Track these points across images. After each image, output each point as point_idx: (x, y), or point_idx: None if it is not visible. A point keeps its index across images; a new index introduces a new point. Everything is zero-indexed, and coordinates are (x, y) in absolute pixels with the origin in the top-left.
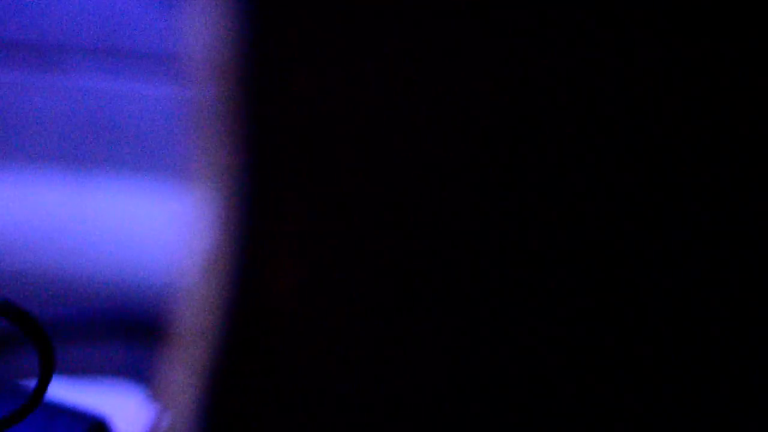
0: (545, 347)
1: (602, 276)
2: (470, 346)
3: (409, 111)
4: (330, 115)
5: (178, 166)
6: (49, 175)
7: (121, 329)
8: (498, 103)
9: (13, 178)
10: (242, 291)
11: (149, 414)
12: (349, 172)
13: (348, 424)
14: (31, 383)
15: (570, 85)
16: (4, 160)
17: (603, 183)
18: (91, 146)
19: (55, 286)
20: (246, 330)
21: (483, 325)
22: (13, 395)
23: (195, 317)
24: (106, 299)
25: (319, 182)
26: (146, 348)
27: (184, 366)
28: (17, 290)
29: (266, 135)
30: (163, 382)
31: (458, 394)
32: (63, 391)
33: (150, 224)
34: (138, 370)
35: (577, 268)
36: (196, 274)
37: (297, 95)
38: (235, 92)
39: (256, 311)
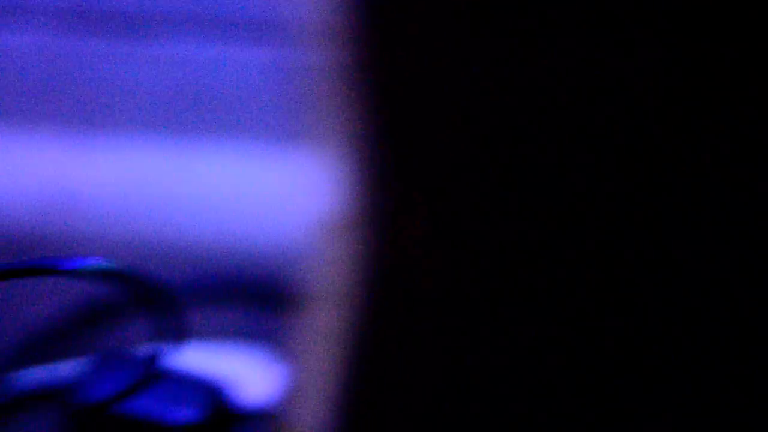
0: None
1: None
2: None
3: (534, 74)
4: (449, 73)
5: (276, 130)
6: (153, 143)
7: (238, 293)
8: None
9: (117, 147)
10: (372, 253)
11: (274, 378)
12: (475, 130)
13: (479, 384)
14: (152, 351)
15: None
16: (109, 130)
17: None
18: (190, 113)
19: (163, 253)
20: (377, 292)
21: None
22: (133, 364)
23: (325, 280)
24: (216, 265)
25: (447, 142)
26: (266, 312)
27: (316, 329)
28: (129, 258)
29: (388, 96)
30: (294, 345)
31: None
32: (183, 357)
33: (253, 189)
34: (260, 335)
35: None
36: (323, 237)
37: (413, 54)
38: (352, 55)
39: (387, 272)
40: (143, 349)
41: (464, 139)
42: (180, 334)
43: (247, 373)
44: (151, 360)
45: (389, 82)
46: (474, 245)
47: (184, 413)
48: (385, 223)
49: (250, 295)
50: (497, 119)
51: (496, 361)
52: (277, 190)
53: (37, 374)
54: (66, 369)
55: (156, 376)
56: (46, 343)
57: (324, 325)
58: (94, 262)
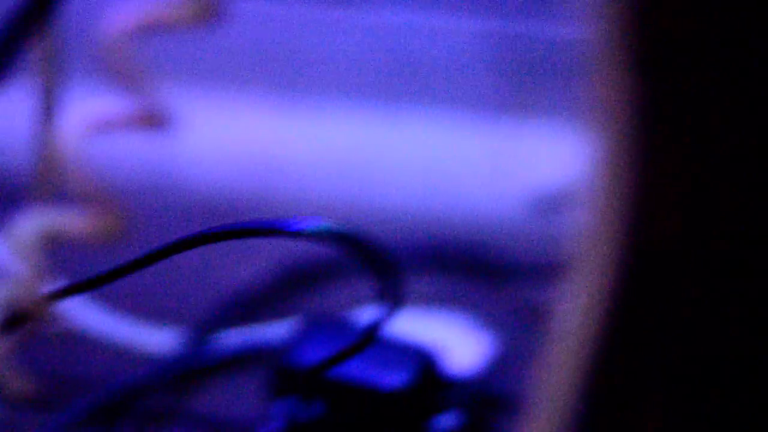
0: None
1: None
2: None
3: None
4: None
5: (489, 100)
6: (363, 111)
7: (447, 261)
8: None
9: (327, 114)
10: (628, 230)
11: (482, 349)
12: (736, 118)
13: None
14: (366, 316)
15: None
16: (319, 96)
17: None
18: (402, 80)
19: (370, 220)
20: (630, 269)
21: None
22: (346, 328)
23: (580, 250)
24: (424, 233)
25: (709, 125)
26: (475, 281)
27: (568, 302)
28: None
29: (653, 70)
30: (545, 318)
31: None
32: (395, 324)
33: (464, 159)
34: (468, 303)
35: None
36: (581, 211)
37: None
38: (617, 26)
39: (641, 251)
40: (356, 313)
41: (736, 124)
42: (396, 301)
43: (456, 342)
44: (365, 325)
45: (656, 54)
46: (734, 240)
47: (396, 379)
48: (640, 196)
49: (458, 264)
50: None
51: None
52: (489, 160)
53: (248, 335)
54: (276, 331)
55: (369, 341)
56: (257, 305)
57: (576, 297)
58: (320, 223)
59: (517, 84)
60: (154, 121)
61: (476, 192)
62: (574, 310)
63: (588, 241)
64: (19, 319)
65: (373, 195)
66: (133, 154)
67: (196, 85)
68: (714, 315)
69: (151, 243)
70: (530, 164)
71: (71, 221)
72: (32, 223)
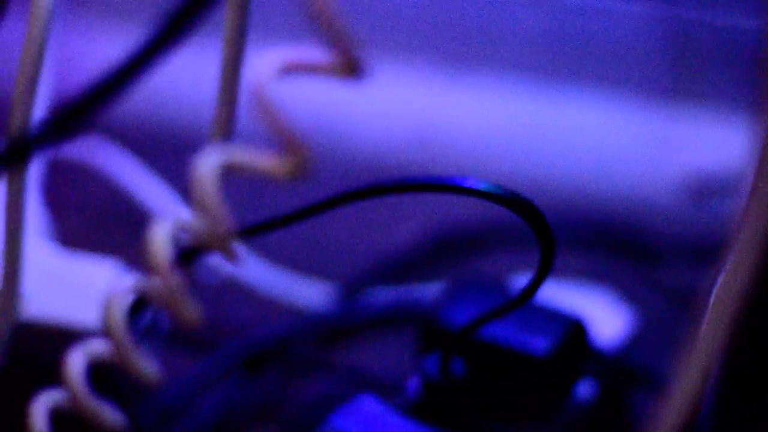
0: None
1: None
2: None
3: None
4: None
5: (657, 86)
6: (527, 87)
7: (595, 237)
8: None
9: (490, 87)
10: None
11: (622, 320)
12: None
13: None
14: (516, 280)
15: None
16: (484, 69)
17: None
18: (568, 59)
19: (532, 195)
20: None
21: None
22: (496, 291)
23: (736, 238)
24: (578, 208)
25: None
26: (617, 256)
27: (731, 285)
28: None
29: None
30: (708, 300)
31: None
32: (544, 292)
33: (622, 139)
34: (610, 277)
35: None
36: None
37: None
38: None
39: None
40: (507, 278)
41: None
42: (549, 270)
43: (597, 314)
44: (517, 288)
45: None
46: None
47: (543, 344)
48: None
49: (610, 242)
50: None
51: None
52: (651, 143)
53: (399, 295)
54: (428, 292)
55: (519, 304)
56: (410, 266)
57: (729, 288)
58: (493, 184)
59: (685, 69)
60: (348, 69)
61: (636, 173)
62: (726, 294)
63: (744, 225)
64: (200, 250)
65: (534, 171)
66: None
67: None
68: None
69: (319, 193)
70: (691, 149)
71: (256, 156)
72: (216, 156)
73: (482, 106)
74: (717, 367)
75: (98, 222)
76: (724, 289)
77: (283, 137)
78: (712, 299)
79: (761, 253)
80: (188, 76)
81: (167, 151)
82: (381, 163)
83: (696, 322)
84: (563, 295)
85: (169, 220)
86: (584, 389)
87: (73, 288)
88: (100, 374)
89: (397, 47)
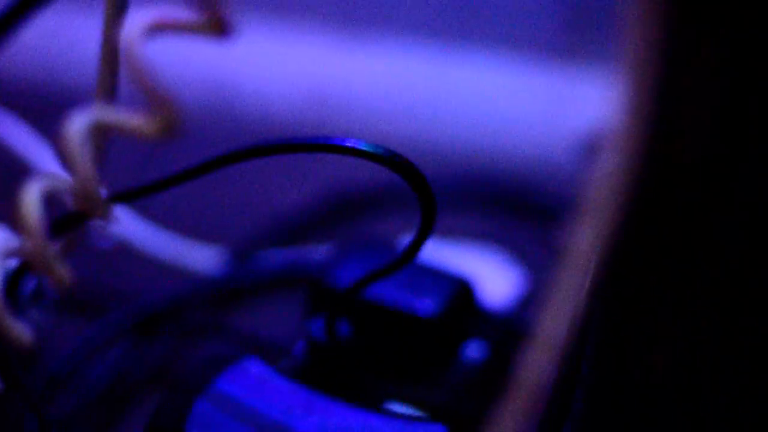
0: None
1: None
2: None
3: None
4: None
5: (547, 45)
6: (421, 50)
7: (486, 197)
8: None
9: (385, 50)
10: (646, 165)
11: (512, 283)
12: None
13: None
14: (403, 242)
15: None
16: (378, 32)
17: None
18: (458, 20)
19: (416, 154)
20: (639, 210)
21: None
22: (383, 252)
23: (593, 192)
24: (471, 167)
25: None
26: (510, 218)
27: (578, 242)
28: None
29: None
30: (566, 249)
31: None
32: (430, 253)
33: (515, 101)
34: (502, 239)
35: None
36: (601, 150)
37: None
38: None
39: (657, 187)
40: (396, 241)
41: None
42: (431, 229)
43: (488, 275)
44: (401, 250)
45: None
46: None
47: (429, 305)
48: (656, 142)
49: (499, 201)
50: None
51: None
52: (541, 102)
53: (289, 257)
54: (317, 254)
55: (402, 264)
56: (300, 228)
57: (583, 242)
58: (373, 143)
59: (575, 29)
60: (215, 27)
61: (529, 133)
62: (581, 244)
63: (604, 177)
64: (77, 217)
65: (429, 132)
66: (192, 66)
67: (257, 12)
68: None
69: (203, 154)
70: (584, 108)
71: (126, 116)
72: (87, 116)
73: (378, 67)
74: (594, 320)
75: None
76: (580, 239)
77: (150, 95)
78: (569, 249)
79: (617, 203)
80: (76, 35)
81: (56, 114)
82: (274, 124)
83: (560, 272)
84: (454, 256)
85: (40, 179)
86: (473, 350)
87: None
88: None
89: (295, 6)
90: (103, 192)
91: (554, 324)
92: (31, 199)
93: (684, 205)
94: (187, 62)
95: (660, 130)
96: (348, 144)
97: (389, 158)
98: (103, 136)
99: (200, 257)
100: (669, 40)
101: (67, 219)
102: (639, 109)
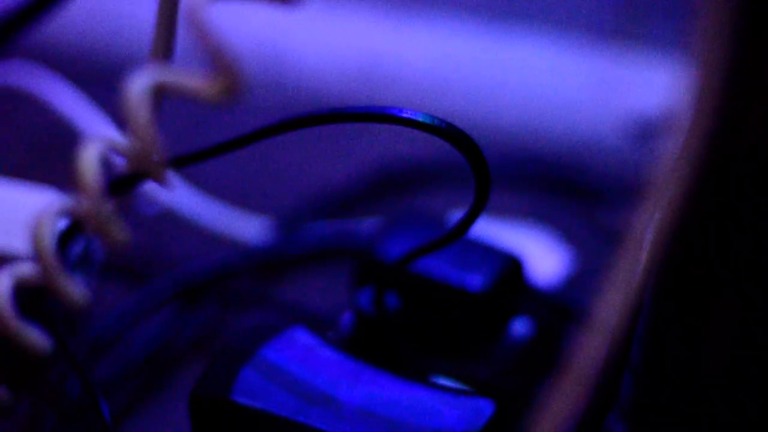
0: None
1: None
2: None
3: None
4: None
5: (597, 26)
6: (473, 26)
7: (535, 176)
8: None
9: (434, 27)
10: (711, 151)
11: (561, 260)
12: None
13: None
14: (452, 217)
15: None
16: (428, 8)
17: None
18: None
19: (470, 133)
20: (709, 189)
21: None
22: (434, 225)
23: (658, 177)
24: (521, 147)
25: None
26: (559, 196)
27: (646, 219)
28: None
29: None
30: (626, 234)
31: None
32: (480, 228)
33: (568, 80)
34: (550, 217)
35: None
36: (659, 134)
37: None
38: None
39: (721, 173)
40: (446, 215)
41: None
42: (485, 203)
43: (537, 254)
44: (453, 224)
45: None
46: None
47: (478, 280)
48: (722, 127)
49: (550, 182)
50: None
51: None
52: (593, 84)
53: (335, 228)
54: (366, 227)
55: (453, 238)
56: (349, 201)
57: (645, 222)
58: (430, 115)
59: (627, 10)
60: None
61: (579, 113)
62: (644, 230)
63: (667, 161)
64: (133, 179)
65: (478, 109)
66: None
67: None
68: None
69: (253, 124)
70: (635, 90)
71: (189, 77)
72: (149, 75)
73: (429, 44)
74: (647, 307)
75: (34, 150)
76: (643, 226)
77: (214, 57)
78: (632, 235)
79: (680, 191)
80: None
81: (106, 80)
82: (324, 97)
83: (618, 258)
84: (503, 233)
85: (98, 140)
86: (520, 327)
87: (8, 216)
88: (35, 304)
89: None
90: (161, 155)
91: (610, 308)
92: (89, 157)
93: (747, 192)
94: (240, 32)
95: (727, 116)
96: (405, 115)
97: (446, 130)
98: (159, 99)
99: (247, 227)
100: (740, 26)
101: (123, 181)
102: (707, 94)
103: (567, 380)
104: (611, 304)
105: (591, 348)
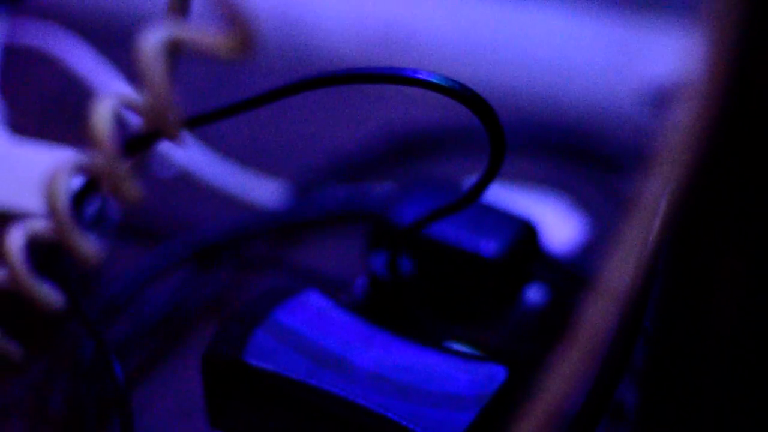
0: None
1: None
2: None
3: None
4: None
5: None
6: None
7: (550, 143)
8: None
9: None
10: (722, 117)
11: (576, 227)
12: None
13: None
14: (466, 182)
15: None
16: None
17: None
18: None
19: (492, 98)
20: (721, 156)
21: None
22: (449, 190)
23: (666, 145)
24: (537, 114)
25: None
26: (574, 163)
27: (648, 191)
28: None
29: None
30: (635, 198)
31: None
32: (496, 195)
33: (586, 47)
34: (566, 184)
35: None
36: (673, 101)
37: None
38: None
39: (732, 139)
40: (456, 181)
41: None
42: (499, 166)
43: (552, 221)
44: (467, 188)
45: None
46: None
47: (492, 246)
48: (733, 94)
49: (565, 148)
50: None
51: None
52: (608, 51)
53: (350, 191)
54: (378, 189)
55: (469, 205)
56: (365, 166)
57: (653, 191)
58: (445, 77)
59: None
60: None
61: (596, 81)
62: (653, 190)
63: (677, 128)
64: (148, 138)
65: (494, 75)
66: None
67: None
68: None
69: (269, 86)
70: (652, 58)
71: (202, 32)
72: (163, 30)
73: (447, 8)
74: (661, 277)
75: (49, 109)
76: (655, 192)
77: (227, 13)
78: (641, 201)
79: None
80: None
81: (121, 39)
82: (339, 60)
83: (626, 223)
84: (518, 200)
85: (113, 96)
86: (533, 293)
87: (24, 174)
88: (49, 262)
89: None
90: (176, 112)
91: (618, 273)
92: (103, 113)
93: (758, 159)
94: None
95: (739, 82)
96: (419, 76)
97: (461, 92)
98: (173, 56)
99: (263, 190)
100: None
101: (139, 139)
102: (718, 61)
103: (574, 345)
104: (619, 270)
105: (599, 313)
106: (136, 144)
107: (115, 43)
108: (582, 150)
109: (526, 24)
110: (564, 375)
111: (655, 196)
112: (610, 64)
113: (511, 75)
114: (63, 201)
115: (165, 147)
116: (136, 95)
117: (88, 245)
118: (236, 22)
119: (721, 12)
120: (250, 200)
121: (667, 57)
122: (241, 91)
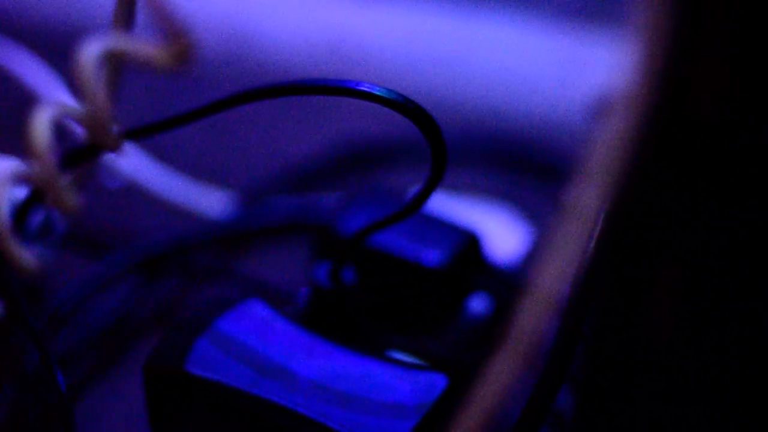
0: None
1: None
2: None
3: None
4: None
5: (561, 3)
6: (437, 4)
7: (495, 154)
8: None
9: (404, 3)
10: (656, 125)
11: (519, 239)
12: None
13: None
14: (412, 191)
15: None
16: None
17: None
18: None
19: (432, 109)
20: (654, 162)
21: None
22: (394, 200)
23: (596, 155)
24: (484, 125)
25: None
26: (521, 174)
27: (578, 202)
28: None
29: None
30: (569, 206)
31: None
32: (440, 205)
33: (532, 59)
34: (510, 196)
35: None
36: (604, 112)
37: None
38: None
39: (666, 147)
40: (403, 189)
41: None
42: (440, 177)
43: (496, 231)
44: (413, 197)
45: None
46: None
47: (435, 255)
48: (666, 102)
49: (507, 157)
50: None
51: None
52: (556, 63)
53: (296, 202)
54: (324, 200)
55: (412, 215)
56: (311, 177)
57: (587, 199)
58: (387, 89)
59: None
60: None
61: (537, 92)
62: (586, 197)
63: (611, 135)
64: (88, 150)
65: (436, 86)
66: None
67: None
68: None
69: (216, 96)
70: (597, 69)
71: (140, 44)
72: (102, 42)
73: (392, 21)
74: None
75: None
76: (582, 197)
77: (165, 24)
78: (570, 206)
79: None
80: None
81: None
82: (287, 71)
83: (556, 228)
84: (464, 210)
85: (51, 105)
86: (477, 303)
87: None
88: None
89: None
90: (116, 124)
91: (551, 278)
92: (41, 123)
93: (692, 165)
94: (203, 5)
95: (672, 90)
96: (362, 88)
97: (402, 103)
98: (117, 70)
99: (209, 200)
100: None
101: (79, 151)
102: (651, 70)
103: (507, 350)
104: (551, 275)
105: (532, 318)
106: (78, 155)
107: (62, 53)
108: (528, 160)
109: (475, 37)
110: (497, 381)
111: (589, 204)
112: (559, 75)
113: (460, 87)
114: (1, 211)
115: (111, 158)
116: (76, 105)
117: (26, 256)
118: (174, 35)
119: (653, 22)
120: (196, 210)
121: (610, 68)
122: (190, 103)
